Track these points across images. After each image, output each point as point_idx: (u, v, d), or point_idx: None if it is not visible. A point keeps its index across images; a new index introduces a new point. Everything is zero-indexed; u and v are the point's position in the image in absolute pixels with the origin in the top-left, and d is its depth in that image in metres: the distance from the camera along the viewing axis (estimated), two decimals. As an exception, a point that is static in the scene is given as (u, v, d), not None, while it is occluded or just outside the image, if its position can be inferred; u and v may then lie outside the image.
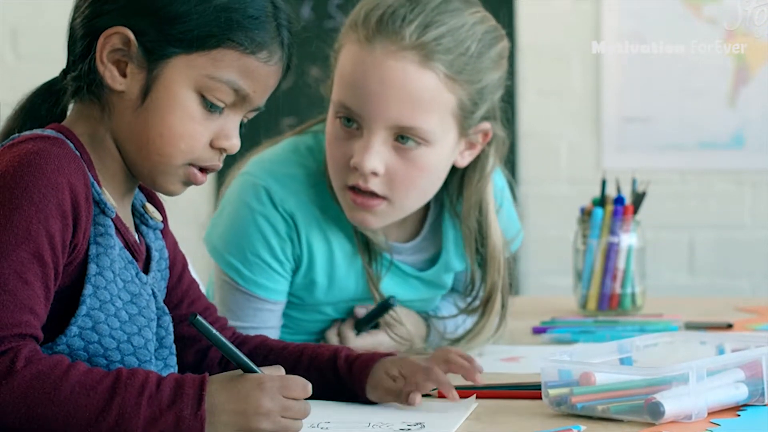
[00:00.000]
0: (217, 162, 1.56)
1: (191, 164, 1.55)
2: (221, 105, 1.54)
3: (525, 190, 3.99)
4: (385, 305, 2.07)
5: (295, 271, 2.06)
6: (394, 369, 1.69)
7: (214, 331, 1.45)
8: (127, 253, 1.55)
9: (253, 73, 1.54)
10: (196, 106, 1.53)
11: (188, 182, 1.57)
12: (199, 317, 1.44)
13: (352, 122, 1.96)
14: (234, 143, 1.56)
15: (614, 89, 4.09)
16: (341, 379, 1.70)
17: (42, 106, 1.58)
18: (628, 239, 2.51)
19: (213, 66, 1.52)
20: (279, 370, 1.47)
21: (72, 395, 1.36)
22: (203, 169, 1.56)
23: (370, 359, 1.71)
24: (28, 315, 1.39)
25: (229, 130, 1.55)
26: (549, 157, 4.10)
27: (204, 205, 3.95)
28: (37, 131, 1.51)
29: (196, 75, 1.52)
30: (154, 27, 1.51)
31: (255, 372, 1.44)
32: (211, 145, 1.55)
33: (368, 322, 2.09)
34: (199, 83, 1.52)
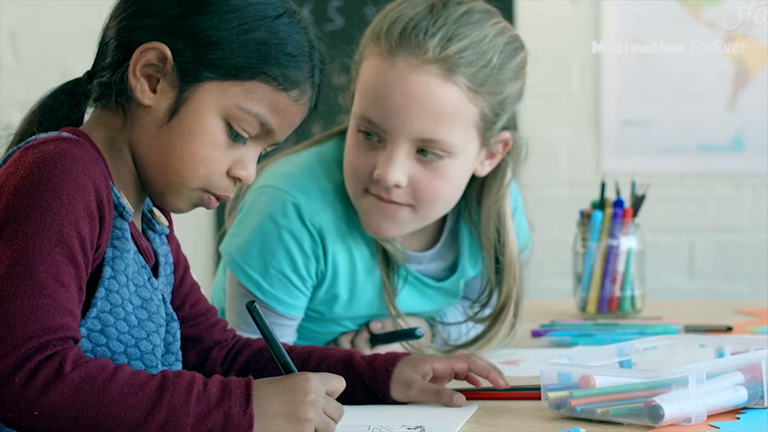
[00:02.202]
0: (230, 192, 1.57)
1: (206, 190, 1.55)
2: (246, 136, 1.54)
3: (524, 193, 3.98)
4: (410, 334, 2.05)
5: (316, 287, 2.06)
6: (425, 366, 1.71)
7: (268, 322, 1.46)
8: (141, 257, 1.56)
9: (282, 110, 1.55)
10: (221, 134, 1.53)
11: (198, 204, 1.57)
12: (257, 305, 1.45)
13: (374, 135, 1.96)
14: (250, 173, 1.56)
15: (614, 92, 4.10)
16: (359, 375, 1.71)
17: (61, 107, 1.57)
18: (627, 242, 2.51)
19: (244, 97, 1.52)
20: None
21: (121, 396, 1.36)
22: (215, 197, 1.57)
23: (394, 357, 1.72)
24: (68, 317, 1.39)
25: (248, 160, 1.56)
26: (548, 160, 4.10)
27: (203, 209, 3.94)
28: (54, 133, 1.50)
29: (226, 103, 1.52)
30: (193, 49, 1.51)
31: (292, 369, 1.46)
32: (227, 174, 1.55)
33: (387, 342, 2.08)
34: (227, 111, 1.52)
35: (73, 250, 1.41)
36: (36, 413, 1.34)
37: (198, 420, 1.37)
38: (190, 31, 1.51)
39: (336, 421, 1.46)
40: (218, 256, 2.18)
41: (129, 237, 1.52)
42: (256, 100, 1.53)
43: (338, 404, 1.46)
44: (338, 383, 1.48)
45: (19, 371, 1.34)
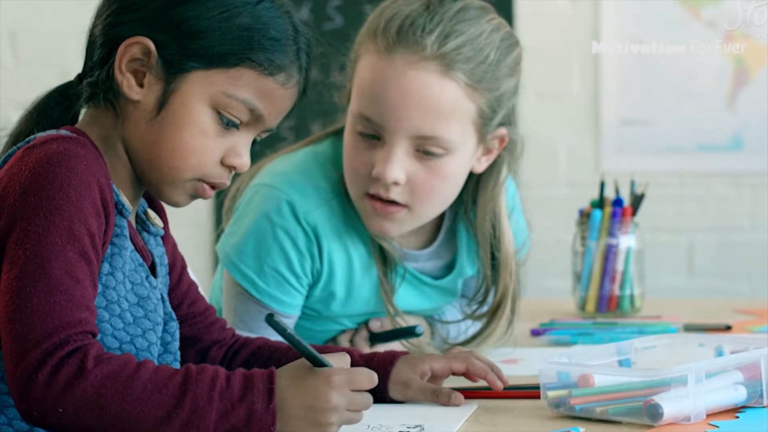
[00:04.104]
0: (226, 180, 1.57)
1: (200, 180, 1.55)
2: (237, 122, 1.54)
3: (524, 192, 3.98)
4: (410, 332, 2.04)
5: (312, 285, 2.05)
6: (423, 365, 1.71)
7: (290, 330, 1.46)
8: (138, 255, 1.56)
9: (270, 94, 1.55)
10: (211, 122, 1.53)
11: (195, 195, 1.57)
12: (276, 317, 1.45)
13: (372, 134, 1.96)
14: (244, 162, 1.56)
15: (613, 92, 4.10)
16: None
17: (55, 108, 1.58)
18: (626, 241, 2.51)
19: (230, 84, 1.53)
20: (344, 358, 1.48)
21: (144, 393, 1.36)
22: (211, 185, 1.57)
23: (392, 356, 1.72)
24: (85, 312, 1.39)
25: (240, 148, 1.56)
26: (548, 159, 4.10)
27: (203, 207, 3.95)
28: (53, 132, 1.51)
29: (213, 91, 1.52)
30: (176, 40, 1.52)
31: (324, 365, 1.44)
32: (221, 163, 1.55)
33: (386, 340, 2.08)
34: (215, 100, 1.53)
35: (85, 247, 1.42)
36: (60, 410, 1.34)
37: (221, 416, 1.37)
38: (172, 23, 1.52)
39: (363, 411, 1.46)
40: (217, 256, 2.18)
41: (127, 235, 1.53)
42: (242, 86, 1.53)
43: (364, 397, 1.46)
44: (368, 382, 1.46)
45: (42, 368, 1.34)
